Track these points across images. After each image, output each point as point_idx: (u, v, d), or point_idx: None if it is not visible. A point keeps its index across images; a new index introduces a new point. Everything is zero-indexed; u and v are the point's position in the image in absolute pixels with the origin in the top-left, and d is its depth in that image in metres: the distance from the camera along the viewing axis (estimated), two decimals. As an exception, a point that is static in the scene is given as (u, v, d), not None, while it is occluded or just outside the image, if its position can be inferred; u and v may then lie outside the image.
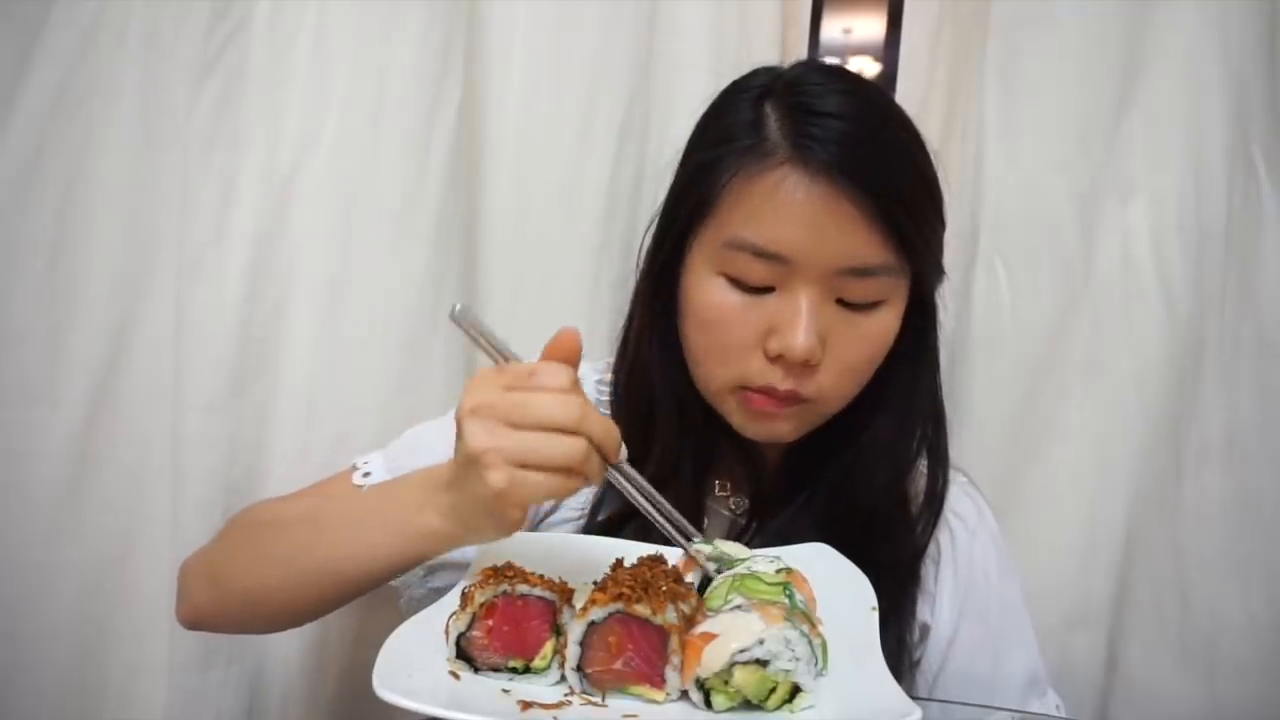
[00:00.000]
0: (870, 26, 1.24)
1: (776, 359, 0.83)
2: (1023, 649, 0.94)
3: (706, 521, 0.93)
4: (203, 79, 1.03)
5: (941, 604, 0.93)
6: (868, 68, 1.25)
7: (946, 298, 1.11)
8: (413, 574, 0.89)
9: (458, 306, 0.69)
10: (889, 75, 1.22)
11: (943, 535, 0.94)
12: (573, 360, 0.69)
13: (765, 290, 0.83)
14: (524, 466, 0.64)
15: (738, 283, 0.83)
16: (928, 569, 0.94)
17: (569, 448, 0.64)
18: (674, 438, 0.90)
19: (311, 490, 0.95)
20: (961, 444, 1.05)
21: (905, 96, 1.18)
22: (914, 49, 1.17)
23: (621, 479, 0.73)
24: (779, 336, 0.82)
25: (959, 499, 0.96)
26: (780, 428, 0.87)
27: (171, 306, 1.05)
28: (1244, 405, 1.02)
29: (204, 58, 1.02)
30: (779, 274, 0.82)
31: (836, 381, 0.85)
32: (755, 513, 0.93)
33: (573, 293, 1.15)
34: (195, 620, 0.90)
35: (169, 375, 1.05)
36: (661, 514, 0.77)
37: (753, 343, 0.83)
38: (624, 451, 0.70)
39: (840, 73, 0.91)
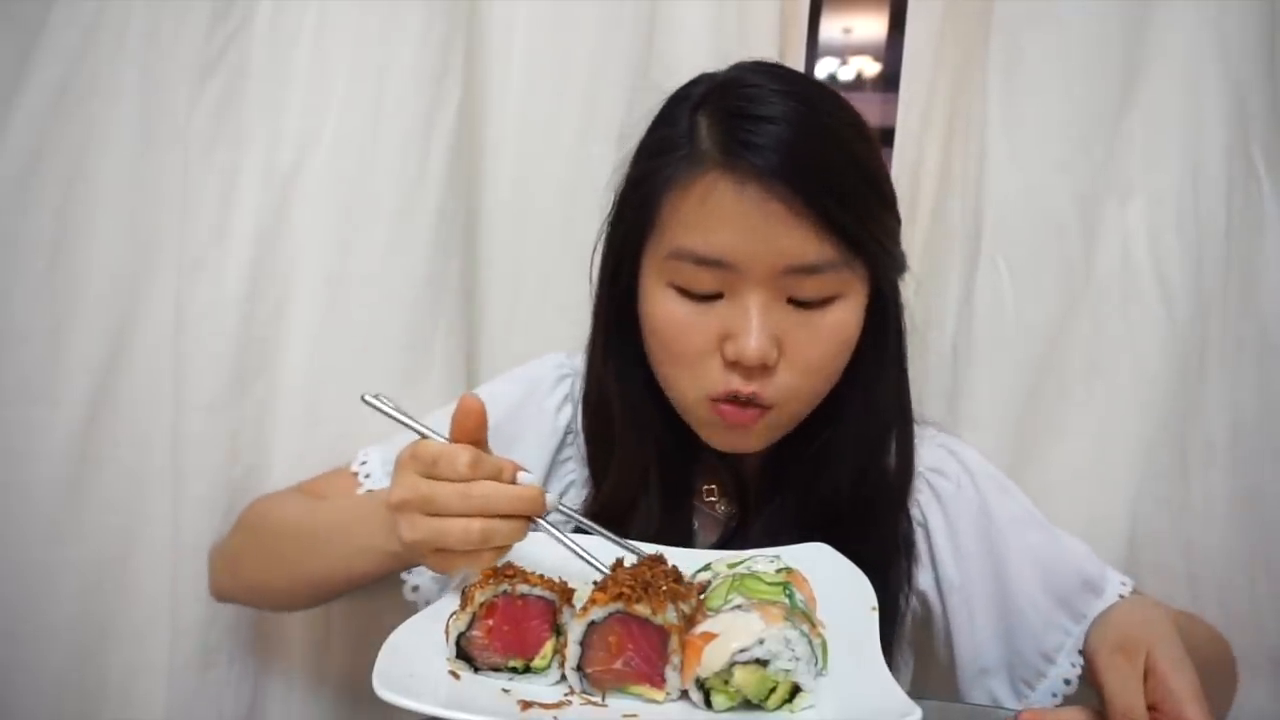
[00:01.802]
0: (870, 26, 1.24)
1: (733, 364, 0.84)
2: (1050, 558, 0.94)
3: (696, 525, 0.95)
4: (203, 79, 1.03)
5: (944, 563, 0.95)
6: (868, 68, 1.25)
7: (951, 296, 1.13)
8: (428, 587, 0.92)
9: (367, 395, 0.77)
10: (890, 75, 1.21)
11: (924, 498, 0.96)
12: (479, 431, 0.74)
13: (715, 297, 0.84)
14: (443, 550, 0.72)
15: (686, 292, 0.84)
16: (919, 537, 0.95)
17: (469, 533, 0.70)
18: (634, 452, 0.92)
19: (316, 485, 0.99)
20: (962, 443, 1.06)
21: (908, 97, 1.18)
22: (917, 49, 1.17)
23: (548, 529, 0.75)
24: (732, 342, 0.83)
25: (932, 453, 0.97)
26: (746, 441, 0.89)
27: (172, 306, 1.05)
28: (1247, 404, 1.02)
29: (204, 57, 1.02)
30: (725, 280, 0.83)
31: (799, 383, 0.85)
32: (741, 514, 0.95)
33: (572, 293, 1.14)
34: (221, 599, 1.01)
35: (169, 375, 1.05)
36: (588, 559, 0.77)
37: (709, 349, 0.84)
38: (550, 499, 0.73)
39: (778, 72, 0.89)
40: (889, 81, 1.21)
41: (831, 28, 1.24)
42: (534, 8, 1.13)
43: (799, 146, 0.81)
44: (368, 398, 0.77)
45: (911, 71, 1.18)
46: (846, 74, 1.29)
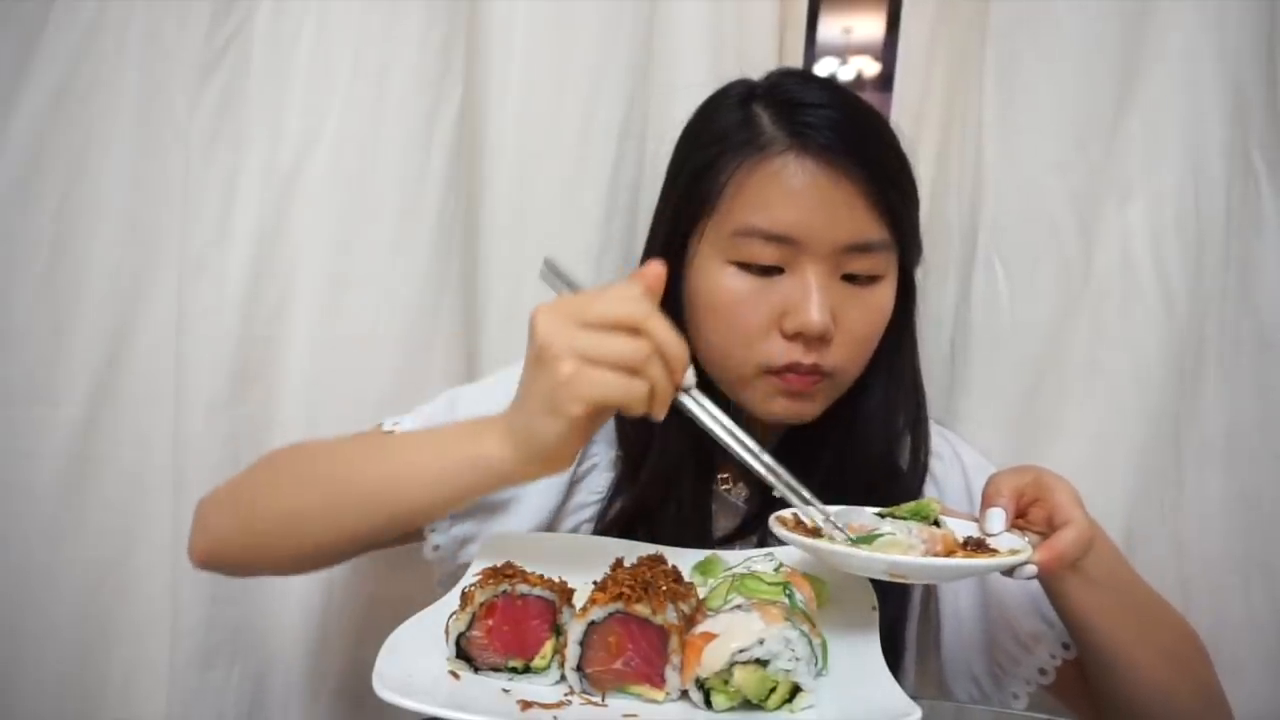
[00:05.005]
0: (869, 26, 1.25)
1: (794, 337, 0.88)
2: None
3: (715, 509, 0.97)
4: (203, 79, 1.03)
5: None
6: (867, 68, 1.25)
7: (948, 296, 1.13)
8: (447, 547, 0.91)
9: (546, 260, 0.77)
10: (889, 76, 1.22)
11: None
12: (654, 289, 0.72)
13: (775, 273, 0.88)
14: (589, 361, 0.67)
15: (748, 268, 0.89)
16: None
17: (632, 347, 0.67)
18: (674, 438, 0.93)
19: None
20: (961, 443, 1.06)
21: (903, 97, 1.18)
22: (912, 50, 1.17)
23: (690, 405, 0.73)
24: (794, 315, 0.87)
25: (932, 438, 1.02)
26: (807, 407, 0.92)
27: (172, 306, 1.05)
28: (1244, 404, 1.02)
29: (205, 58, 1.02)
30: (787, 255, 0.88)
31: (850, 354, 0.91)
32: (760, 501, 0.96)
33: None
34: (211, 555, 0.88)
35: (170, 375, 1.05)
36: (735, 440, 0.76)
37: (769, 324, 0.88)
38: (691, 375, 0.72)
39: (809, 74, 0.99)
40: (888, 82, 1.22)
41: (831, 27, 1.24)
42: (534, 8, 1.13)
43: (854, 131, 0.89)
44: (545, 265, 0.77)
45: (906, 72, 1.18)
46: (847, 74, 1.29)
